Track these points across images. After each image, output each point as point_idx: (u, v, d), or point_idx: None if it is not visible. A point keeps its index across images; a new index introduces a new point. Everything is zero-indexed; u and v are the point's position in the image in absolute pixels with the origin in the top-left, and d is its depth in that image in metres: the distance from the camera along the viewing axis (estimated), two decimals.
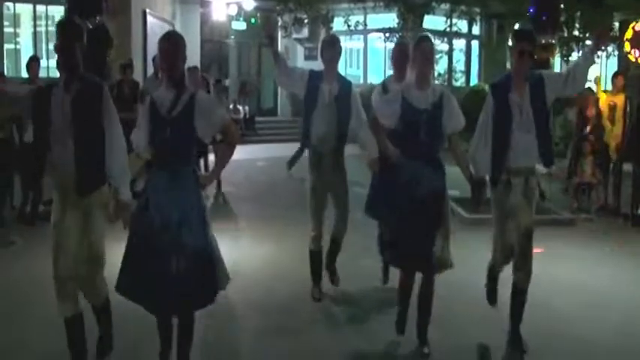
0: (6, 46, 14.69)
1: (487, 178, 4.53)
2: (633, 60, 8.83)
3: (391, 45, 19.85)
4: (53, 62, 9.62)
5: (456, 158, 4.48)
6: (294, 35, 19.24)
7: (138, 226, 3.72)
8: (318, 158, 5.29)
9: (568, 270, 6.58)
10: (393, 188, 4.38)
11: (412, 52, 4.44)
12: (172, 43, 3.78)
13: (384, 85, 5.57)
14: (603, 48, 16.17)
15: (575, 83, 4.39)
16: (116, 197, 3.79)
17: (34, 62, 9.05)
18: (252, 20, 20.25)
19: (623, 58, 17.75)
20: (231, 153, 3.97)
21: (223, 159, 4.01)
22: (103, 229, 3.87)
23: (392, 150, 4.36)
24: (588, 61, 4.41)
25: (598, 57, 17.23)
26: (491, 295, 4.90)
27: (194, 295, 3.72)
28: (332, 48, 5.30)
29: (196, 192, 3.79)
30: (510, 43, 4.55)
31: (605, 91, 9.98)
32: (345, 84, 5.36)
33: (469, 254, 5.86)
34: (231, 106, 12.25)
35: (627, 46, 8.83)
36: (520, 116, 4.31)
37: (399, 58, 5.47)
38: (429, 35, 4.59)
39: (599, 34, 4.57)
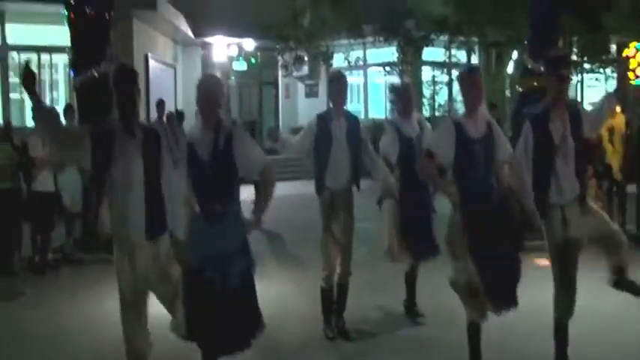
0: (12, 95, 14.89)
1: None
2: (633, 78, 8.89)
3: (391, 79, 20.12)
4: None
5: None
6: (295, 73, 19.45)
7: (192, 281, 3.75)
8: (331, 197, 5.24)
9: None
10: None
11: (463, 82, 4.35)
12: (212, 85, 3.95)
13: (394, 123, 5.69)
14: (602, 71, 16.35)
15: (597, 125, 4.44)
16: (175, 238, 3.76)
17: None
18: (252, 60, 20.53)
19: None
20: (272, 192, 3.99)
21: (266, 198, 3.99)
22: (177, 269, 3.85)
23: (455, 195, 4.21)
24: (612, 103, 4.42)
25: (597, 80, 17.42)
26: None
27: (246, 334, 3.85)
28: (339, 83, 5.33)
29: (242, 235, 3.87)
30: (545, 69, 4.44)
31: None
32: (352, 119, 5.38)
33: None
34: None
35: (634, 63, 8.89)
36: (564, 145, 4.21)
37: (405, 96, 5.66)
38: (478, 66, 4.60)
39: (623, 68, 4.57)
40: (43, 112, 3.59)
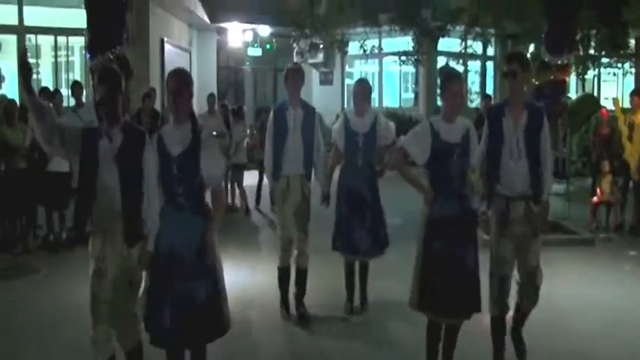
0: None
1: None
2: None
3: (407, 68, 20.07)
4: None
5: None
6: (310, 60, 19.42)
7: (155, 267, 3.74)
8: (287, 183, 5.48)
9: (587, 289, 6.55)
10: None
11: (442, 87, 4.28)
12: (181, 79, 3.80)
13: (346, 119, 5.72)
14: (619, 66, 16.19)
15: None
16: (143, 246, 3.70)
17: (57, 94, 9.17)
18: (268, 46, 20.52)
19: (639, 75, 17.79)
20: (220, 213, 3.94)
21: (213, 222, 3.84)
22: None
23: (427, 189, 4.23)
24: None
25: (614, 74, 17.28)
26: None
27: (209, 327, 3.77)
28: (294, 74, 5.52)
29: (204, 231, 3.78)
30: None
31: (623, 111, 9.95)
32: (308, 109, 5.57)
33: None
34: (247, 131, 12.28)
35: None
36: (512, 143, 4.27)
37: (361, 94, 5.67)
38: (459, 74, 4.55)
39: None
40: (32, 104, 3.56)
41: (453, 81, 4.21)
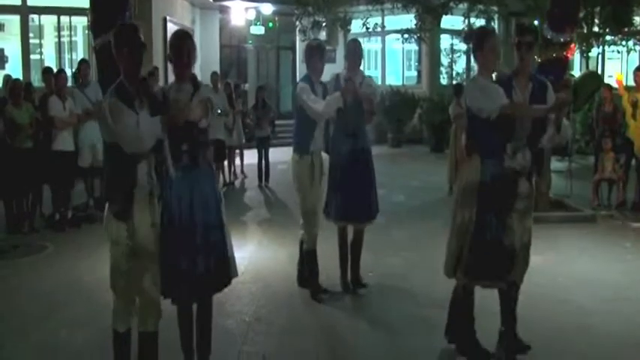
0: (32, 57, 15.01)
1: None
2: None
3: (409, 46, 19.99)
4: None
5: None
6: (313, 38, 19.36)
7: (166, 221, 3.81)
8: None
9: (588, 265, 6.62)
10: None
11: (479, 43, 4.20)
12: (186, 39, 3.92)
13: (338, 77, 5.68)
14: (624, 43, 16.10)
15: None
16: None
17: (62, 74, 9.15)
18: (270, 24, 20.45)
19: None
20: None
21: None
22: None
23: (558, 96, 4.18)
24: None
25: (618, 52, 17.16)
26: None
27: (216, 277, 3.88)
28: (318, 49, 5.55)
29: (214, 189, 3.92)
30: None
31: (627, 89, 9.94)
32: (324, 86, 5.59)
33: None
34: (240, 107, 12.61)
35: None
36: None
37: (353, 52, 5.67)
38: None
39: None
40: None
41: (491, 36, 4.25)
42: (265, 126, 11.89)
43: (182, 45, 3.86)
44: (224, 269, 3.91)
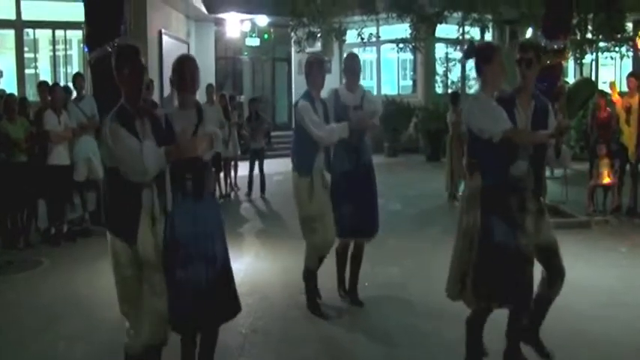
0: (26, 71, 15.03)
1: None
2: None
3: (404, 55, 20.04)
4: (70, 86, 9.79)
5: None
6: (308, 50, 19.41)
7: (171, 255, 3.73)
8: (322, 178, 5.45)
9: (583, 271, 6.60)
10: None
11: (487, 59, 4.16)
12: (194, 64, 3.83)
13: (337, 93, 5.61)
14: (617, 49, 16.18)
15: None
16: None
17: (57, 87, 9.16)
18: (265, 36, 20.52)
19: (637, 59, 17.75)
20: None
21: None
22: None
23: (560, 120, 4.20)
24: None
25: (612, 58, 17.25)
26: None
27: (221, 307, 3.83)
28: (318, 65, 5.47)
29: (218, 215, 3.89)
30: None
31: (620, 94, 9.98)
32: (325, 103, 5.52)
33: None
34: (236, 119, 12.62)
35: None
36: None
37: (352, 68, 5.62)
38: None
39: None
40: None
41: (499, 51, 4.18)
42: (259, 138, 11.91)
43: (185, 70, 3.78)
44: (229, 301, 3.86)
